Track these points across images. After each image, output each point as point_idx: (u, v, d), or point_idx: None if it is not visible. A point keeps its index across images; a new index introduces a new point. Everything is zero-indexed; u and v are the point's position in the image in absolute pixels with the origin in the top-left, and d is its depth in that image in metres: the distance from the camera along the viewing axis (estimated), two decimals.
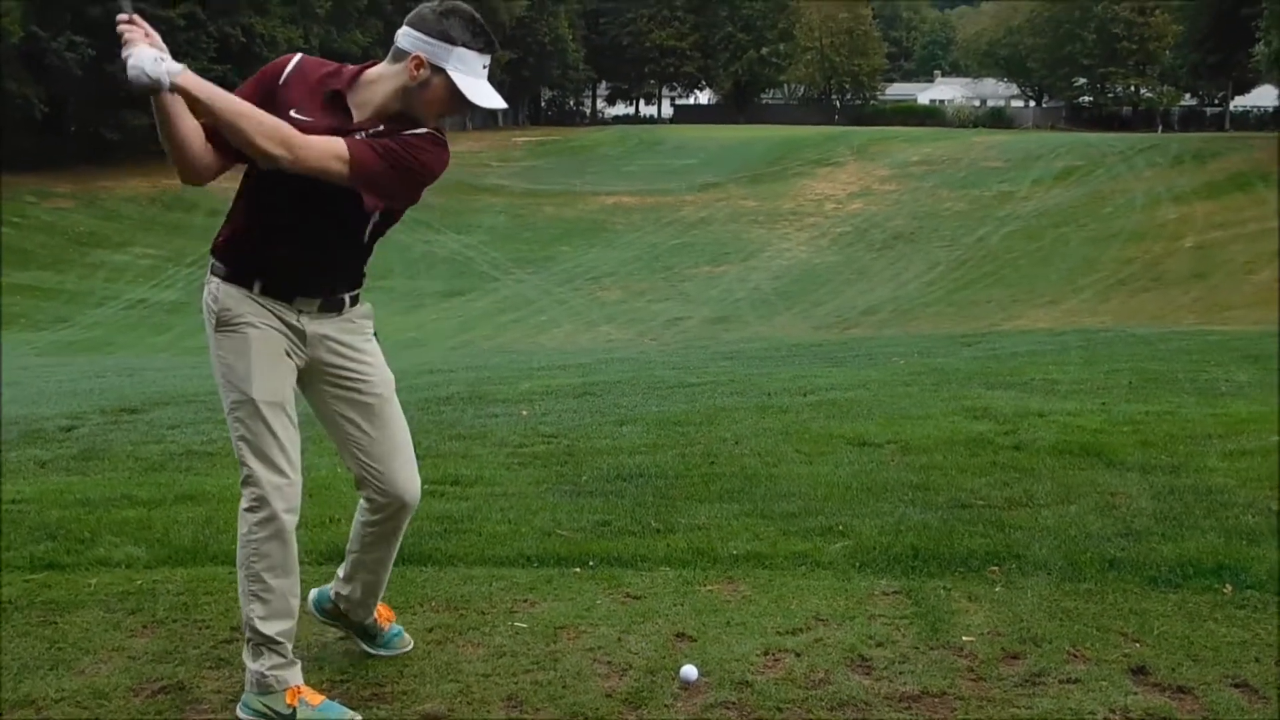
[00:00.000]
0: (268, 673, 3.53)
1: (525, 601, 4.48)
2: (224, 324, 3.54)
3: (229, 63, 58.79)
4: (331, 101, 3.45)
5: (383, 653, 3.99)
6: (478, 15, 3.51)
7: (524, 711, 3.56)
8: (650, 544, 5.15)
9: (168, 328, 35.89)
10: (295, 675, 3.57)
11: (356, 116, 3.46)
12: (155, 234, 49.85)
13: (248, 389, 3.52)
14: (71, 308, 38.99)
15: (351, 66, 3.56)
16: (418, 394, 10.50)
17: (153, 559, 5.08)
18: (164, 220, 51.69)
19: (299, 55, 3.55)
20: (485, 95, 3.47)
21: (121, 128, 57.64)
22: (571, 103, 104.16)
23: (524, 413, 9.11)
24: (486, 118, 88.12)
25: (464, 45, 3.43)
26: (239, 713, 3.57)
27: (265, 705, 3.51)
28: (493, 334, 33.92)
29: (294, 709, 3.50)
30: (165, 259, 46.37)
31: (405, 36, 3.44)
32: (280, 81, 3.45)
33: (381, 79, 3.48)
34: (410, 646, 4.04)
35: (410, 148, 3.43)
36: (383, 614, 4.03)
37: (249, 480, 3.53)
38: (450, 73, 3.42)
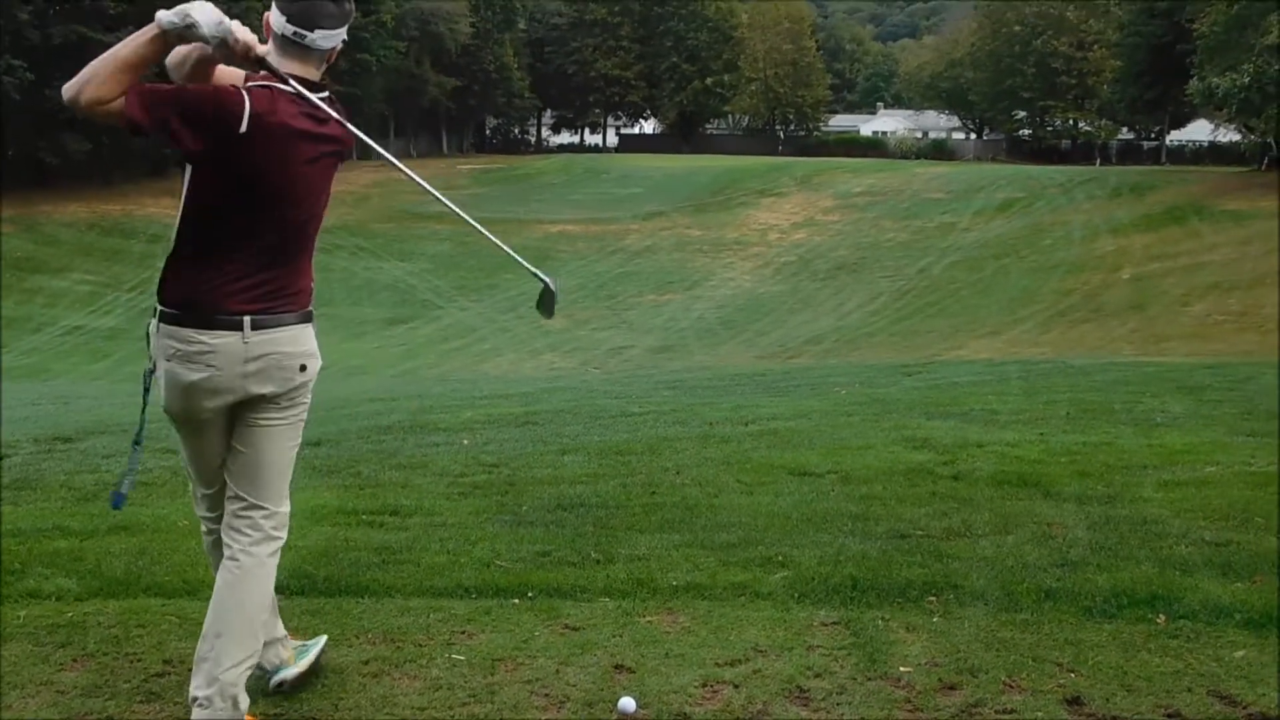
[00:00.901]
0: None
1: (463, 633, 4.45)
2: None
3: None
4: None
5: (300, 666, 3.97)
6: None
7: None
8: (590, 575, 5.14)
9: (105, 354, 35.40)
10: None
11: None
12: (94, 259, 49.28)
13: None
14: (7, 334, 38.35)
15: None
16: (359, 422, 10.43)
17: (84, 591, 4.99)
18: (102, 246, 51.16)
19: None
20: None
21: (60, 152, 57.11)
22: (516, 131, 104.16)
23: (465, 442, 9.08)
24: (431, 145, 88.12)
25: None
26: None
27: None
28: (436, 362, 33.74)
29: None
30: (104, 285, 45.82)
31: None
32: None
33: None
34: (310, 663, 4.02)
35: None
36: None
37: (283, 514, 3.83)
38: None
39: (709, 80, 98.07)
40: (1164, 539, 5.57)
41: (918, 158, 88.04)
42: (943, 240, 50.39)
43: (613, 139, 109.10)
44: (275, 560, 3.74)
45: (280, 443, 3.75)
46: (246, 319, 3.52)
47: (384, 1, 72.25)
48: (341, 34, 3.54)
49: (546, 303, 4.05)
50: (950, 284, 42.32)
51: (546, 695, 3.88)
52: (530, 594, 4.89)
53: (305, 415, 3.82)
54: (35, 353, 35.82)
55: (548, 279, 4.01)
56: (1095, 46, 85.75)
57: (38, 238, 50.95)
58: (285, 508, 3.80)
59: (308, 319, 3.71)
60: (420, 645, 4.33)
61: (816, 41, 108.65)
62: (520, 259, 4.08)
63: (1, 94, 53.48)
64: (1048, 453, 7.89)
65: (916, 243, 50.53)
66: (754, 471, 7.42)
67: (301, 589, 4.99)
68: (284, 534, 3.78)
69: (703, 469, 7.55)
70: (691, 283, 47.08)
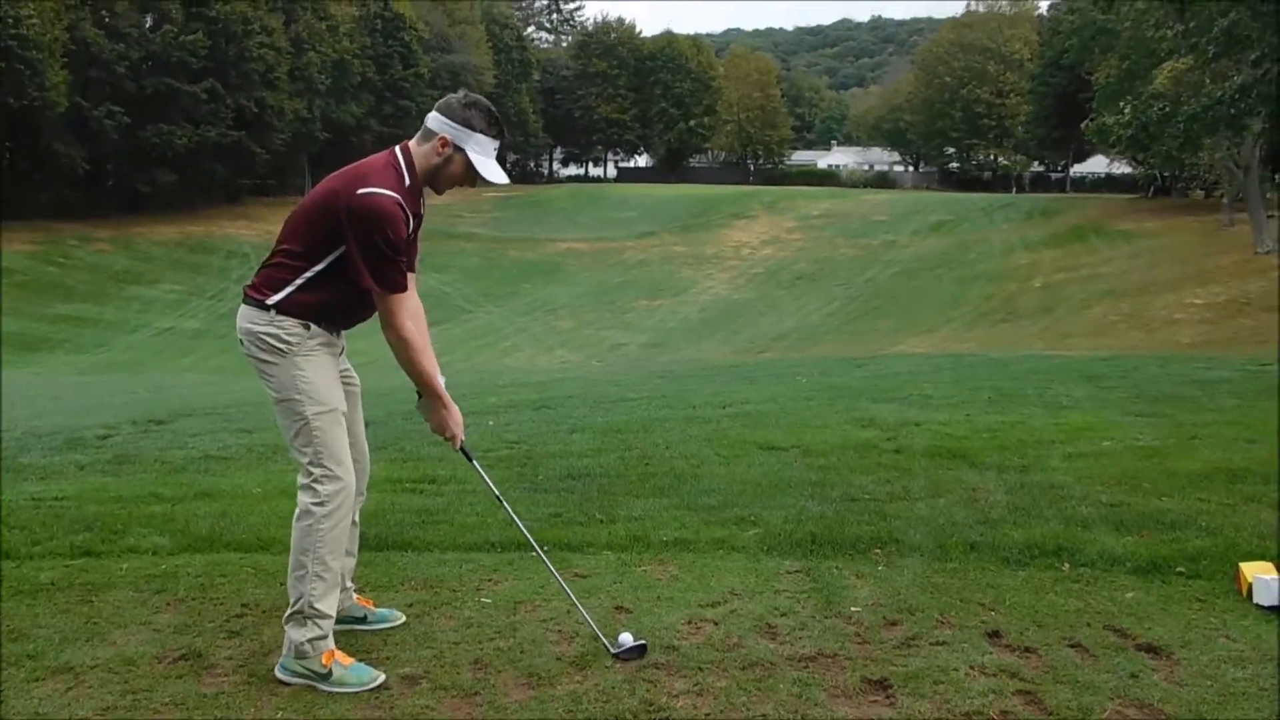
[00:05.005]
0: (307, 643, 3.48)
1: (490, 581, 4.45)
2: (299, 351, 3.51)
3: (243, 129, 58.24)
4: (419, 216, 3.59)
5: (379, 626, 3.94)
6: (494, 108, 3.57)
7: (488, 673, 3.53)
8: (595, 532, 5.13)
9: (191, 351, 35.37)
10: (330, 644, 3.54)
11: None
12: (181, 272, 49.18)
13: (329, 400, 3.55)
14: (109, 334, 38.29)
15: (397, 157, 3.51)
16: (403, 406, 10.41)
17: (175, 547, 4.99)
18: (188, 261, 51.04)
19: (394, 195, 3.38)
20: (495, 173, 3.53)
21: (153, 183, 56.98)
22: (532, 164, 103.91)
23: (490, 423, 9.07)
24: None
25: (481, 131, 3.48)
26: (278, 674, 3.51)
27: (304, 667, 3.48)
28: (466, 356, 33.71)
29: (329, 668, 3.48)
30: (189, 293, 45.75)
31: (434, 120, 3.50)
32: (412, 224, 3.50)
33: (418, 161, 3.51)
34: (402, 619, 3.98)
35: None
36: (362, 601, 3.99)
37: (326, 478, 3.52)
38: (469, 152, 3.48)
39: (692, 122, 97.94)
40: (1068, 501, 5.58)
41: (865, 186, 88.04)
42: (885, 255, 50.40)
43: (612, 171, 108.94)
44: (310, 518, 3.51)
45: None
46: None
47: (422, 57, 72.01)
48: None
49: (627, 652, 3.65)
50: (892, 291, 42.31)
51: (559, 631, 3.89)
52: (546, 548, 4.88)
53: (272, 388, 3.53)
54: (132, 350, 35.74)
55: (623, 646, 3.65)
56: (1011, 94, 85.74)
57: (134, 254, 50.86)
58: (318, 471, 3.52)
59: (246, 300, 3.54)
60: (454, 591, 4.33)
61: (780, 90, 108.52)
62: (594, 625, 3.72)
63: (103, 134, 53.42)
64: (972, 430, 7.89)
65: (864, 257, 50.54)
66: (730, 446, 7.42)
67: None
68: (313, 498, 3.52)
69: (687, 444, 7.55)
70: (678, 290, 47.05)
